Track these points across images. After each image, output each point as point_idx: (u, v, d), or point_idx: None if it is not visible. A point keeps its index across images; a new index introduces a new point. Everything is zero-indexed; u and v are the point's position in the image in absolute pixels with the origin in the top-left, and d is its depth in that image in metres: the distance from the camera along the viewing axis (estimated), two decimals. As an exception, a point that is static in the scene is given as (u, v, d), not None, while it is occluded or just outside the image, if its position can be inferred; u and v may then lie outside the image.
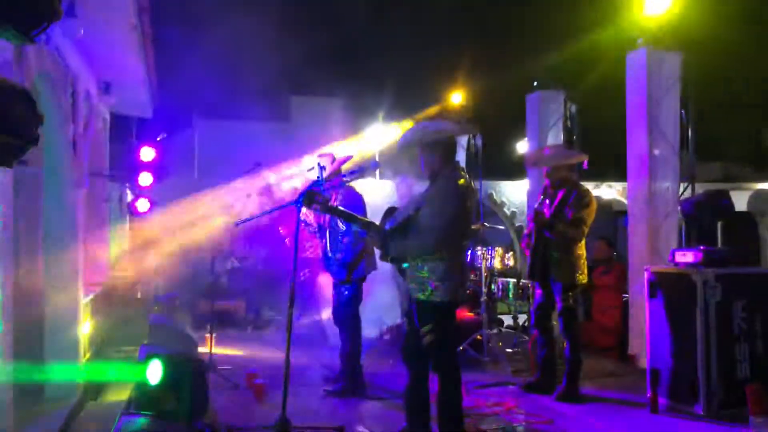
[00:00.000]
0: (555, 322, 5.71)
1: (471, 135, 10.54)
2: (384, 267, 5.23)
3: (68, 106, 5.24)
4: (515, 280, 7.33)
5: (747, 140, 20.99)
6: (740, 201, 7.69)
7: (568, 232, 5.30)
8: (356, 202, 5.61)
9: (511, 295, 7.36)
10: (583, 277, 5.42)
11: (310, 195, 3.83)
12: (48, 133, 5.08)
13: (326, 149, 5.84)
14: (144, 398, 4.41)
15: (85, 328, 5.71)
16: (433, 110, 10.92)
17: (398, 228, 3.98)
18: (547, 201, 5.58)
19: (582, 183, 5.74)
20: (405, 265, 3.96)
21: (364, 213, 5.66)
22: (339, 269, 5.60)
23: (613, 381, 6.06)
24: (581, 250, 5.43)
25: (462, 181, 3.93)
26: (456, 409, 3.92)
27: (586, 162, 5.91)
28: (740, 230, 5.77)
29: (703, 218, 5.16)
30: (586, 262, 5.49)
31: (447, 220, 3.80)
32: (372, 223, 4.10)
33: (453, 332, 4.01)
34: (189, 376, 4.31)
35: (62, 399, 5.14)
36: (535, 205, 5.68)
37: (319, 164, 5.42)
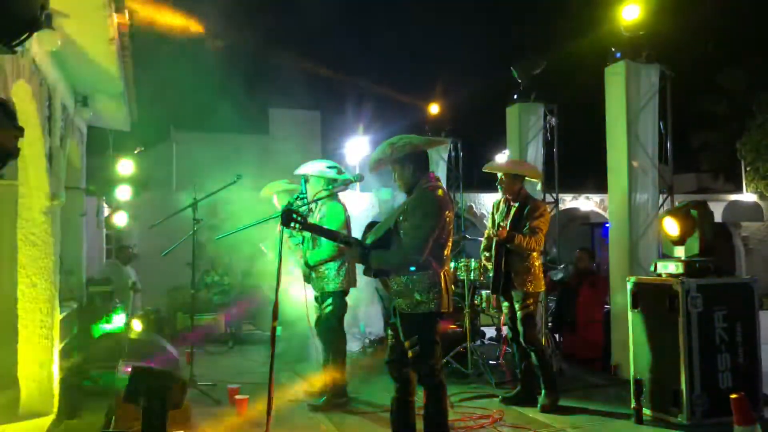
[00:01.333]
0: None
1: (448, 147, 10.61)
2: (368, 280, 5.20)
3: (44, 119, 5.16)
4: (497, 292, 7.33)
5: (721, 152, 21.35)
6: (715, 212, 7.79)
7: (527, 242, 5.39)
8: (339, 214, 5.57)
9: (493, 307, 7.35)
10: (537, 286, 5.51)
11: (288, 214, 3.77)
12: (24, 146, 4.98)
13: (307, 162, 5.79)
14: (123, 416, 4.31)
15: (62, 345, 5.59)
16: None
17: (379, 242, 3.96)
18: (504, 215, 5.70)
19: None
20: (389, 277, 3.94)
21: (348, 225, 5.64)
22: (306, 268, 5.57)
23: (597, 392, 6.07)
24: (537, 260, 5.56)
25: (440, 191, 3.93)
26: (442, 423, 3.88)
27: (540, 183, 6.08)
28: (716, 241, 5.82)
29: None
30: (541, 272, 5.62)
31: (427, 231, 3.78)
32: (353, 238, 4.07)
33: (438, 344, 3.98)
34: (165, 393, 4.22)
35: (38, 417, 5.01)
36: (494, 218, 5.77)
37: (302, 177, 5.38)
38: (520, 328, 5.52)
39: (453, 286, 7.20)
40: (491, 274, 5.73)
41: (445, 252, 3.97)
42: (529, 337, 5.46)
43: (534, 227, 5.45)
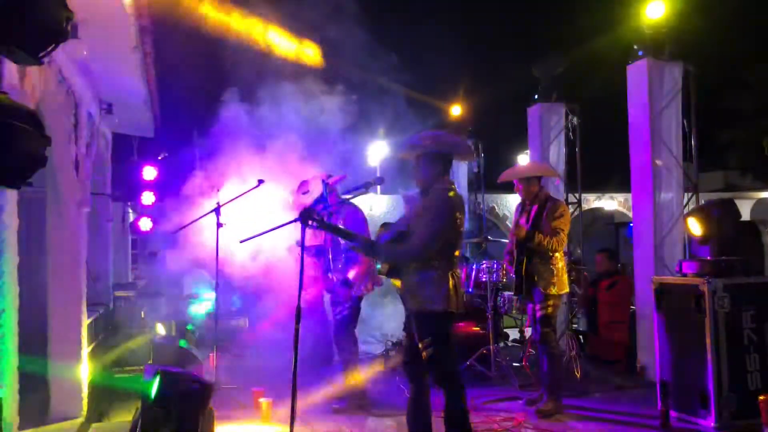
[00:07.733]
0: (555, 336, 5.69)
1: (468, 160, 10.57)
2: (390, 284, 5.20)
3: (71, 127, 5.25)
4: (520, 294, 7.28)
5: (749, 149, 21.00)
6: (743, 210, 7.66)
7: (548, 242, 5.33)
8: (358, 219, 5.60)
9: (516, 309, 7.31)
10: (560, 287, 5.42)
11: (307, 212, 3.83)
12: (51, 153, 5.08)
13: (322, 168, 5.86)
14: (149, 419, 4.35)
15: (89, 349, 5.68)
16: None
17: (393, 241, 4.04)
18: (524, 216, 5.65)
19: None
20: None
21: (366, 229, 5.65)
22: (341, 288, 5.57)
23: (622, 394, 6.01)
24: (561, 261, 5.48)
25: (452, 193, 4.00)
26: (464, 423, 3.87)
27: (558, 180, 6.06)
28: (744, 239, 5.74)
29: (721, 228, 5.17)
30: (565, 273, 5.54)
31: (436, 229, 3.87)
32: (370, 239, 4.12)
33: (453, 343, 3.99)
34: (190, 396, 4.25)
35: (66, 420, 5.10)
36: (517, 220, 5.72)
37: (323, 181, 5.41)
38: (537, 327, 5.48)
39: (464, 288, 7.26)
40: (514, 276, 5.68)
41: (455, 252, 4.03)
42: (543, 337, 5.39)
43: (555, 227, 5.40)
